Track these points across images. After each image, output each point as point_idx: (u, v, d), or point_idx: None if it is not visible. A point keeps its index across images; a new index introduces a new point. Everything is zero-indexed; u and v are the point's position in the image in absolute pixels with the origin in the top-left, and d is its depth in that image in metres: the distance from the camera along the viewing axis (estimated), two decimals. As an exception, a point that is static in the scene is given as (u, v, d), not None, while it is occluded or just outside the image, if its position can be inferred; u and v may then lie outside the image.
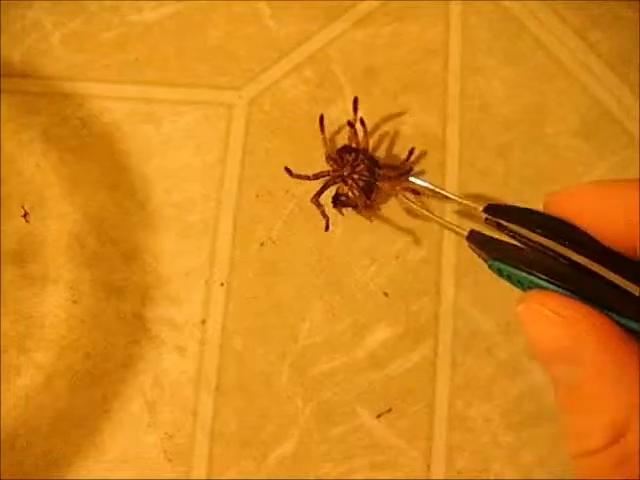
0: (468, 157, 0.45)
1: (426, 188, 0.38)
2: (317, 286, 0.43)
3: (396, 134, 0.46)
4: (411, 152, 0.44)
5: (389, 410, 0.42)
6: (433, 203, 0.44)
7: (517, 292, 0.42)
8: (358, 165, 0.43)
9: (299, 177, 0.43)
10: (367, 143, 0.44)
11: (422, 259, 0.43)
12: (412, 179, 0.39)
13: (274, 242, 0.44)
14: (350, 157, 0.43)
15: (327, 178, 0.44)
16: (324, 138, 0.44)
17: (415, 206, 0.38)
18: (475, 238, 0.29)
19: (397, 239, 0.43)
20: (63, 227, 0.45)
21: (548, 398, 0.42)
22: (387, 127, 0.46)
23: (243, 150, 0.45)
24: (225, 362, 0.42)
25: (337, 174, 0.44)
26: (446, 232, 0.44)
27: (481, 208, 0.29)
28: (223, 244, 0.44)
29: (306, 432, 0.42)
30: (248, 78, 0.46)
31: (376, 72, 0.46)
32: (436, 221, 0.35)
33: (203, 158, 0.45)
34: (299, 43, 0.47)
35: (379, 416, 0.42)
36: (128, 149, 0.46)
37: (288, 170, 0.43)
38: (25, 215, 0.45)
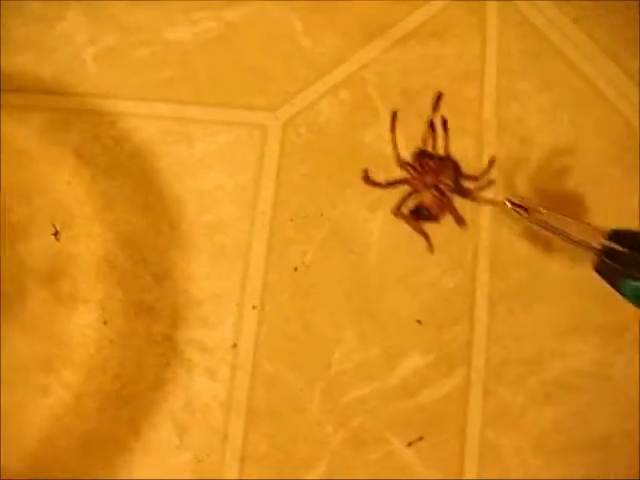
0: (504, 185, 0.45)
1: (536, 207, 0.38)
2: (350, 312, 0.44)
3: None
4: (492, 162, 0.42)
5: (420, 438, 0.42)
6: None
7: (550, 321, 0.43)
8: (442, 172, 0.41)
9: (373, 184, 0.43)
10: (448, 148, 0.42)
11: (455, 287, 0.44)
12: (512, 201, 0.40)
13: (308, 266, 0.44)
14: (432, 163, 0.42)
15: (408, 189, 0.42)
16: (394, 138, 0.42)
17: (530, 222, 0.40)
18: (611, 254, 0.30)
19: (431, 266, 0.44)
20: (94, 246, 0.45)
21: (579, 429, 0.42)
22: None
23: (277, 172, 0.46)
24: (256, 386, 0.43)
25: (419, 183, 0.42)
26: (480, 260, 0.44)
27: (604, 233, 0.30)
28: (256, 267, 0.44)
29: (337, 458, 0.42)
30: (283, 99, 0.47)
31: (412, 95, 0.47)
32: (562, 237, 0.35)
33: (236, 179, 0.46)
34: (335, 64, 0.48)
35: (410, 444, 0.42)
36: (160, 168, 0.46)
37: (365, 174, 0.43)
38: (56, 234, 0.46)
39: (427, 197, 0.42)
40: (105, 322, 0.44)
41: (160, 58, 0.49)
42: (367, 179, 0.43)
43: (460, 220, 0.42)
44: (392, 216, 0.45)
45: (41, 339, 0.44)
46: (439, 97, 0.42)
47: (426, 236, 0.43)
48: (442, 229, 0.43)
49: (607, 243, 0.32)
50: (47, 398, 0.44)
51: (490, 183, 0.43)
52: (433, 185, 0.41)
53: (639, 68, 0.47)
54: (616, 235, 0.31)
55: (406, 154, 0.44)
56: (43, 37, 0.49)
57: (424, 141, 0.42)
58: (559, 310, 0.44)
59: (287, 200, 0.46)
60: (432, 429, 0.42)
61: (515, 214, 0.41)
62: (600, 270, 0.32)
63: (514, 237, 0.44)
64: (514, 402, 0.43)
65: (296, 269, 0.44)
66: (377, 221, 0.45)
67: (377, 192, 0.45)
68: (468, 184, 0.43)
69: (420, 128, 0.46)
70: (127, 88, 0.48)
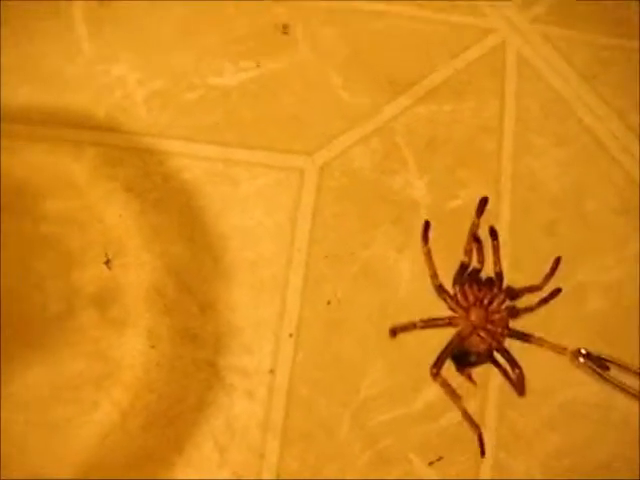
0: (518, 232, 0.51)
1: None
2: (378, 343, 0.49)
3: (446, 209, 0.51)
4: (557, 263, 0.44)
5: (440, 459, 0.47)
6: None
7: (558, 355, 0.48)
8: (491, 305, 0.40)
9: (405, 329, 0.45)
10: (500, 265, 0.41)
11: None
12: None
13: (339, 300, 0.49)
14: (478, 291, 0.41)
15: (450, 333, 0.42)
16: (428, 253, 0.44)
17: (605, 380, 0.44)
18: None
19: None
20: (143, 275, 0.50)
21: (583, 453, 0.48)
22: (440, 201, 0.52)
23: (313, 213, 0.51)
24: (291, 409, 0.48)
25: (463, 323, 0.41)
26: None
27: None
28: (292, 299, 0.49)
29: (363, 476, 0.47)
30: (320, 145, 0.52)
31: (437, 146, 0.52)
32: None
33: (275, 218, 0.51)
34: (367, 115, 0.53)
35: (431, 464, 0.47)
36: (206, 206, 0.51)
37: (393, 331, 0.47)
38: (107, 262, 0.50)
39: (475, 340, 0.41)
40: (153, 346, 0.49)
41: (206, 103, 0.54)
42: (394, 334, 0.46)
43: (521, 390, 0.44)
44: (418, 256, 0.50)
45: (91, 359, 0.49)
46: (485, 202, 0.44)
47: (480, 437, 0.44)
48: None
49: None
50: (96, 414, 0.48)
51: (556, 292, 0.44)
52: (482, 325, 0.40)
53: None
54: None
55: (429, 199, 0.49)
56: (98, 78, 0.54)
57: (467, 253, 0.42)
58: (566, 344, 0.49)
59: (321, 239, 0.51)
60: (451, 450, 0.47)
61: (587, 368, 0.43)
62: None
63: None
64: (525, 428, 0.48)
65: (329, 302, 0.49)
66: (405, 261, 0.50)
67: (404, 234, 0.50)
68: (527, 299, 0.43)
69: (442, 177, 0.51)
70: (175, 129, 0.53)
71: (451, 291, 0.45)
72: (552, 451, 0.48)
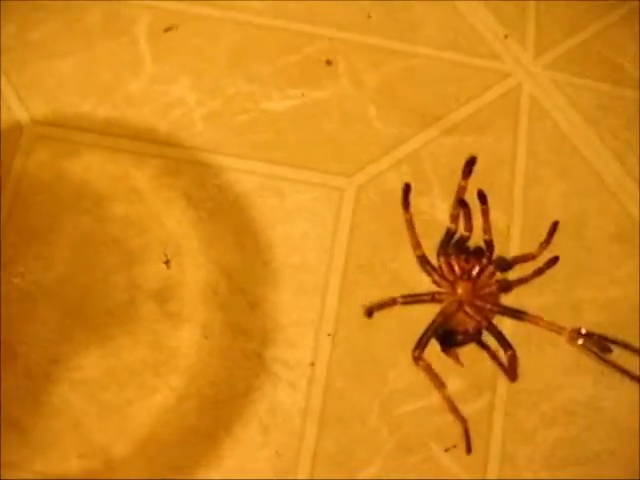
0: (526, 251, 0.59)
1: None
2: (404, 342, 0.56)
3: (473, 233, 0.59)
4: (554, 228, 0.44)
5: (454, 446, 0.55)
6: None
7: (557, 361, 0.57)
8: (480, 276, 0.38)
9: (383, 306, 0.52)
10: (490, 233, 0.40)
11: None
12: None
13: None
14: (465, 262, 0.39)
15: (435, 312, 0.44)
16: (409, 220, 0.48)
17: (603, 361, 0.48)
18: None
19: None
20: (199, 275, 0.57)
21: (577, 446, 0.56)
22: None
23: (350, 227, 0.59)
24: (328, 398, 0.55)
25: (448, 299, 0.40)
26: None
27: None
28: (331, 302, 0.57)
29: (389, 459, 0.55)
30: (357, 168, 0.60)
31: (458, 174, 0.61)
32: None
33: (317, 230, 0.58)
34: (399, 144, 0.61)
35: (447, 450, 0.55)
36: (256, 216, 0.59)
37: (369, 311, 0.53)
38: (167, 262, 0.57)
39: (462, 318, 0.40)
40: (206, 337, 0.56)
41: (257, 124, 0.61)
42: (372, 312, 0.51)
43: (513, 375, 0.47)
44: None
45: (151, 347, 0.56)
46: (472, 162, 0.45)
47: (466, 431, 0.46)
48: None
49: None
50: (154, 397, 0.55)
51: (554, 261, 0.43)
52: (469, 301, 0.37)
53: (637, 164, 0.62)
54: None
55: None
56: (158, 96, 0.61)
57: (454, 220, 0.40)
58: (564, 353, 0.58)
59: (357, 250, 0.58)
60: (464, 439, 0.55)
61: (585, 347, 0.46)
62: None
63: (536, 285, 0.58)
64: (528, 422, 0.56)
65: (363, 305, 0.57)
66: (430, 272, 0.58)
67: (428, 249, 0.58)
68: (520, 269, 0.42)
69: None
70: (229, 147, 0.60)
71: (435, 263, 0.42)
72: (550, 443, 0.56)
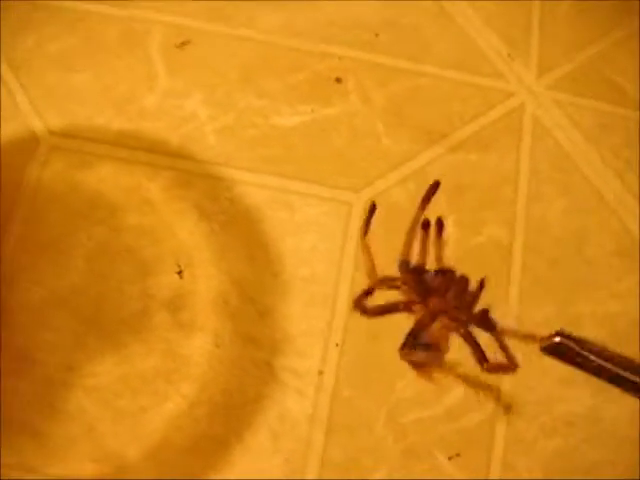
0: (527, 266, 0.61)
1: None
2: (410, 353, 0.58)
3: (470, 243, 0.62)
4: (482, 284, 0.51)
5: (458, 454, 0.57)
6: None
7: (557, 374, 0.59)
8: (447, 294, 0.41)
9: (364, 312, 0.53)
10: (442, 258, 0.46)
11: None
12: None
13: (379, 315, 0.59)
14: (433, 281, 0.43)
15: (416, 321, 0.48)
16: (366, 247, 0.49)
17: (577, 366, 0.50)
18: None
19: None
20: (211, 285, 0.59)
21: (576, 457, 0.58)
22: (466, 237, 0.62)
23: (358, 239, 0.61)
24: (335, 406, 0.57)
25: (422, 309, 0.44)
26: (508, 318, 0.60)
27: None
28: (339, 313, 0.59)
29: (394, 466, 0.56)
30: (365, 183, 0.62)
31: (463, 190, 0.63)
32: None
33: (326, 243, 0.60)
34: (405, 160, 0.63)
35: (450, 458, 0.57)
36: (266, 228, 0.61)
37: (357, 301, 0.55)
38: (180, 272, 0.59)
39: (435, 327, 0.42)
40: (217, 346, 0.58)
41: (267, 139, 0.63)
42: (358, 305, 0.53)
43: (508, 367, 0.50)
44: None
45: (163, 355, 0.57)
46: (435, 186, 0.50)
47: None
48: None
49: None
50: (166, 404, 0.57)
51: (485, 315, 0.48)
52: (441, 311, 0.39)
53: (636, 182, 0.64)
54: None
55: (454, 235, 0.59)
56: (172, 110, 0.63)
57: (405, 251, 0.42)
58: (564, 366, 0.60)
59: (365, 262, 0.60)
60: (467, 448, 0.57)
61: (556, 355, 0.48)
62: None
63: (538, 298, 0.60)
64: (528, 433, 0.58)
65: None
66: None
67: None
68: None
69: (467, 216, 0.61)
70: (240, 160, 0.62)
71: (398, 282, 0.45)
72: (550, 453, 0.58)
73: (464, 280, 0.43)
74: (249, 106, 0.64)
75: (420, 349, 0.48)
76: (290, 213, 0.61)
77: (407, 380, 0.58)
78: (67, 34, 0.67)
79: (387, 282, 0.44)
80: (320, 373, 0.57)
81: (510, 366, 0.47)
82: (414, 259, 0.46)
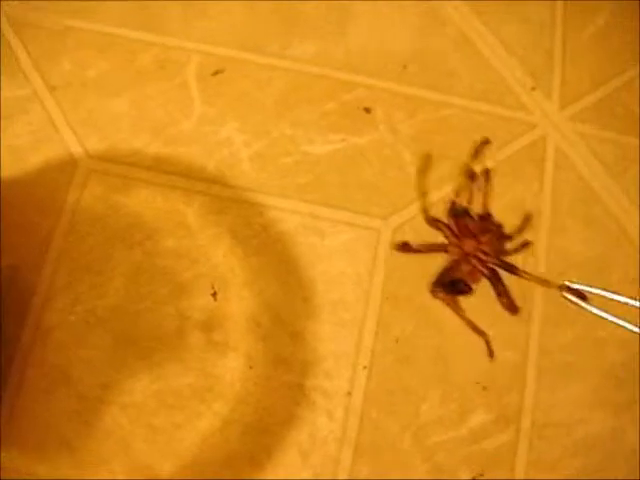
0: (552, 291, 0.66)
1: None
2: (435, 376, 0.64)
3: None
4: (528, 219, 0.55)
5: (481, 474, 0.62)
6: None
7: (579, 396, 0.64)
8: (483, 238, 0.45)
9: (409, 250, 0.59)
10: (487, 204, 0.49)
11: (512, 363, 0.64)
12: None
13: (406, 338, 0.64)
14: (472, 225, 0.47)
15: (445, 260, 0.53)
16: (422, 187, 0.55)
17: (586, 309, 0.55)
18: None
19: (494, 344, 0.64)
20: (244, 307, 0.64)
21: (597, 477, 0.63)
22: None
23: (386, 266, 0.66)
24: (363, 426, 0.62)
25: (456, 249, 0.49)
26: (531, 343, 0.65)
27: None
28: (367, 337, 0.64)
29: (420, 486, 0.61)
30: (393, 211, 0.67)
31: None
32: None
33: (356, 268, 0.66)
34: (432, 188, 0.68)
35: (474, 478, 0.62)
36: (298, 254, 0.66)
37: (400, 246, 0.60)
38: (214, 294, 0.64)
39: (465, 268, 0.48)
40: (250, 367, 0.63)
41: (299, 166, 0.68)
42: (402, 248, 0.58)
43: (513, 307, 0.56)
44: (467, 300, 0.65)
45: (197, 375, 0.62)
46: (485, 142, 0.54)
47: (487, 342, 0.57)
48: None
49: None
50: (200, 422, 0.62)
51: (526, 244, 0.54)
52: (473, 254, 0.45)
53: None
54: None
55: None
56: (207, 136, 0.69)
57: (457, 194, 0.49)
58: (586, 388, 0.65)
59: (393, 288, 0.66)
60: (490, 468, 0.62)
61: (569, 300, 0.55)
62: None
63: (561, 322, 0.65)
64: (550, 453, 0.63)
65: (397, 340, 0.64)
66: (461, 311, 0.65)
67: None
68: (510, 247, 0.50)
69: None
70: (273, 187, 0.68)
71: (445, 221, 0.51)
72: (572, 474, 0.63)
73: (500, 227, 0.48)
74: (282, 134, 0.69)
75: (450, 287, 0.52)
76: (320, 238, 0.66)
77: (432, 404, 0.63)
78: (102, 60, 0.72)
79: (433, 222, 0.49)
80: (348, 394, 0.62)
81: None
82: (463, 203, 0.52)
